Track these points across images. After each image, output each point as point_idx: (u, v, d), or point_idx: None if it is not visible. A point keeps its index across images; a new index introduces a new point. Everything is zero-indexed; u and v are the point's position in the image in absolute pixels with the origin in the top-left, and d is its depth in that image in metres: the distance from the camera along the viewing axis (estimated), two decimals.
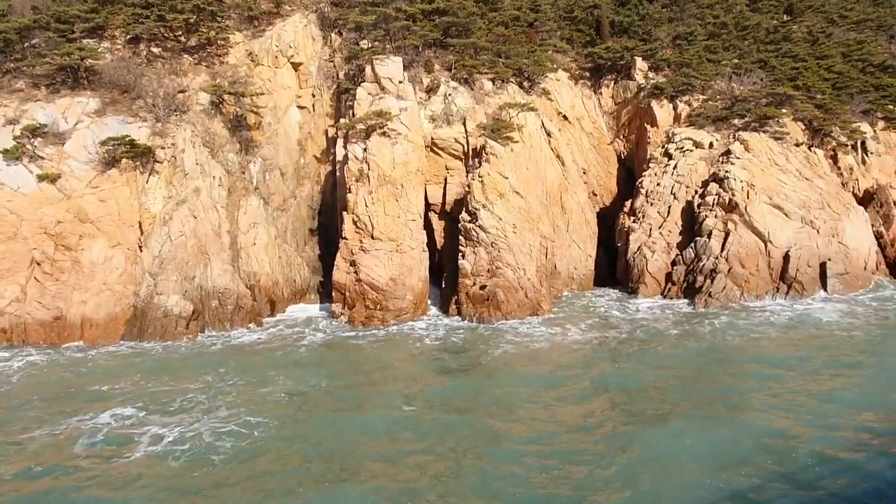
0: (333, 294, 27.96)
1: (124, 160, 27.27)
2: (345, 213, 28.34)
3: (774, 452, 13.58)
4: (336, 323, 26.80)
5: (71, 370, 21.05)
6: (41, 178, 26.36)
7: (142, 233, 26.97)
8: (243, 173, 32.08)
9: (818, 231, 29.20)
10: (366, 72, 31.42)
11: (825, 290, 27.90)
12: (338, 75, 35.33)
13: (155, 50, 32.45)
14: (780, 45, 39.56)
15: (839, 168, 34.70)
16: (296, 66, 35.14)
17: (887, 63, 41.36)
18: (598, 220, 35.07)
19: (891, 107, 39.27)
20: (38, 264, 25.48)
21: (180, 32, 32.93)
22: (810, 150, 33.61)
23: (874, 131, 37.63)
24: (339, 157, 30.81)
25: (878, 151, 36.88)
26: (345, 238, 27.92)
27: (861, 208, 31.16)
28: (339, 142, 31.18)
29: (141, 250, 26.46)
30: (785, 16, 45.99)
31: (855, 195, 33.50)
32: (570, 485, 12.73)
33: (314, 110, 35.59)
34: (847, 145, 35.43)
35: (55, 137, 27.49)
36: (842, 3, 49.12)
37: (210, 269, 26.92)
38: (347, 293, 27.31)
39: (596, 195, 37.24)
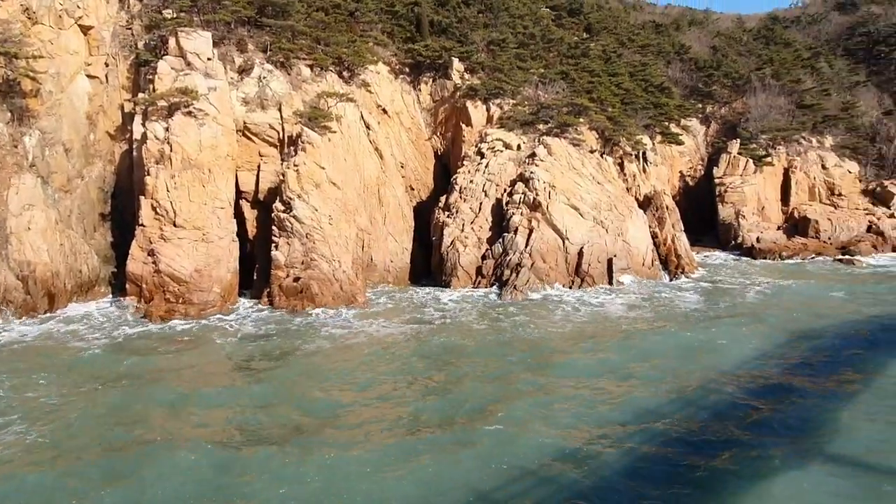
0: (128, 286, 25.37)
1: None
2: (143, 197, 25.78)
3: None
4: (131, 318, 24.28)
5: None
6: None
7: None
8: (15, 147, 27.78)
9: (607, 230, 32.47)
10: (169, 44, 28.86)
11: (611, 282, 31.11)
12: (136, 45, 32.01)
13: None
14: (580, 59, 43.38)
15: (625, 174, 38.93)
16: (85, 29, 31.21)
17: (664, 85, 47.33)
18: (415, 215, 35.74)
19: (666, 123, 45.00)
20: None
21: None
22: (602, 157, 37.28)
23: (653, 144, 42.83)
24: (137, 136, 27.98)
25: (656, 162, 42.05)
26: (142, 225, 25.42)
27: (641, 211, 35.22)
28: (137, 119, 28.32)
29: None
30: (585, 33, 50.63)
31: (637, 199, 37.75)
32: (370, 481, 12.74)
33: (107, 81, 31.93)
34: (631, 155, 39.88)
35: None
36: (630, 28, 55.30)
37: None
38: (145, 285, 24.91)
39: (413, 189, 37.93)
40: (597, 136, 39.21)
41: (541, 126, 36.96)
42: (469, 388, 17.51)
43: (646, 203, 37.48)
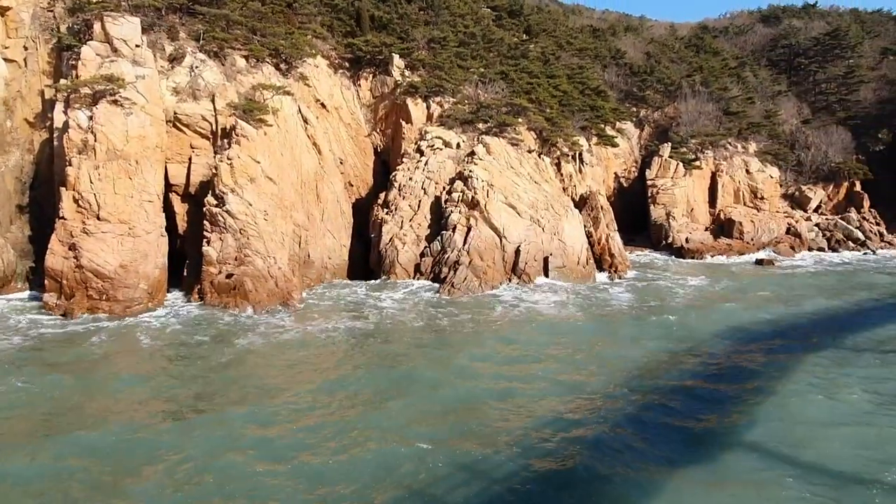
0: (46, 282, 24.05)
1: None
2: (63, 189, 24.48)
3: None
4: (49, 315, 23.03)
5: None
6: None
7: None
8: None
9: (543, 229, 33.03)
10: (94, 29, 27.52)
11: (547, 278, 31.66)
12: (59, 28, 30.35)
13: None
14: (519, 60, 43.98)
15: (561, 175, 39.72)
16: (2, 10, 29.40)
17: (600, 88, 48.56)
18: (354, 211, 35.38)
19: (602, 125, 46.17)
20: None
21: None
22: (540, 157, 37.91)
23: (590, 145, 43.88)
24: (59, 124, 26.57)
25: (592, 163, 43.11)
26: (63, 218, 24.14)
27: (577, 211, 36.00)
28: (59, 106, 26.89)
29: None
30: (524, 35, 51.35)
31: (573, 199, 38.57)
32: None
33: (26, 66, 30.16)
34: (568, 155, 40.75)
35: None
36: (569, 31, 56.46)
37: None
38: (65, 281, 23.68)
39: (353, 186, 37.56)
40: (535, 136, 39.85)
41: (480, 125, 37.25)
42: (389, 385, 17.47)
43: (581, 203, 38.33)
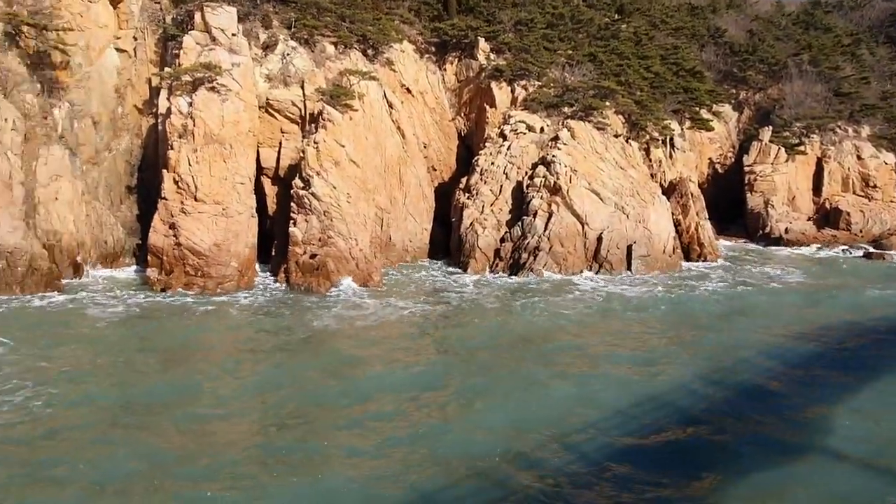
0: (149, 259, 25.87)
1: None
2: (165, 171, 26.18)
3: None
4: (150, 290, 24.82)
5: None
6: None
7: None
8: (45, 118, 28.36)
9: (627, 216, 32.04)
10: (195, 19, 29.04)
11: (630, 269, 30.76)
12: (164, 19, 32.29)
13: None
14: (609, 41, 42.51)
15: (650, 160, 38.29)
16: (114, 2, 31.53)
17: (696, 69, 46.18)
18: (437, 195, 35.71)
19: (697, 108, 44.00)
20: None
21: None
22: (627, 142, 36.67)
23: (682, 129, 41.97)
24: (162, 110, 28.32)
25: (684, 148, 41.25)
26: (164, 198, 25.84)
27: (664, 198, 34.64)
28: (163, 93, 28.63)
29: None
30: (616, 14, 49.51)
31: (661, 186, 37.15)
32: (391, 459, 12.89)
33: (136, 55, 32.29)
34: (658, 140, 39.18)
35: None
36: (664, 9, 53.87)
37: None
38: (165, 258, 25.39)
39: (436, 170, 37.85)
40: (623, 120, 38.56)
41: (565, 109, 36.45)
42: (470, 373, 17.52)
43: (670, 190, 36.86)
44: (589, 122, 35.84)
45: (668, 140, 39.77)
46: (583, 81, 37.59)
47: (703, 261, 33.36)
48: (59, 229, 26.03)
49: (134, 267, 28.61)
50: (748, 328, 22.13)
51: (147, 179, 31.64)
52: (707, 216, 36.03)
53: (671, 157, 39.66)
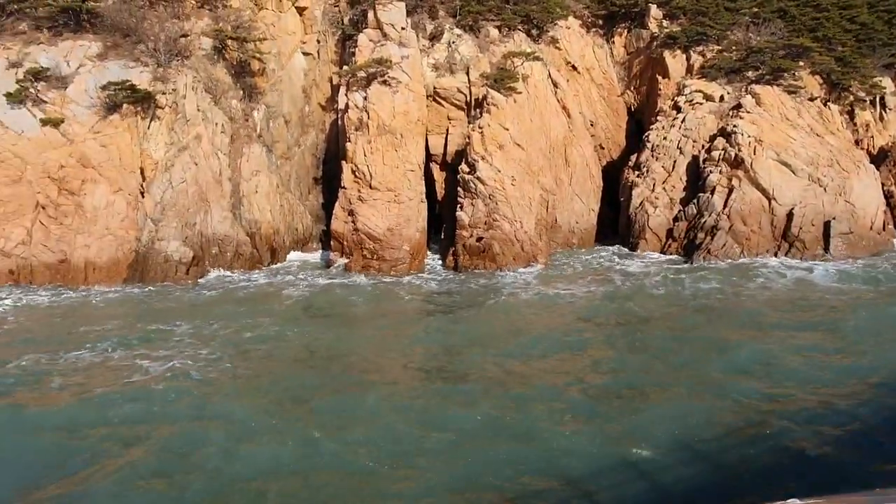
0: (332, 243, 28.29)
1: (125, 105, 27.35)
2: (344, 162, 28.36)
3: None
4: (334, 271, 27.19)
5: (68, 311, 21.76)
6: (44, 122, 26.62)
7: (144, 179, 27.28)
8: (247, 120, 32.04)
9: (825, 189, 28.59)
10: (368, 17, 30.90)
11: (827, 250, 27.47)
12: (343, 21, 34.78)
13: None
14: None
15: (855, 124, 33.69)
16: (300, 10, 34.57)
17: None
18: (605, 174, 34.65)
19: None
20: (43, 208, 26.03)
21: None
22: (825, 106, 32.57)
23: (895, 86, 36.32)
24: (341, 106, 30.61)
25: None
26: (343, 187, 28.03)
27: (872, 167, 30.33)
28: (342, 90, 30.92)
29: (143, 196, 26.84)
30: None
31: (869, 153, 32.60)
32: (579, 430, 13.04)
33: (319, 57, 35.19)
34: (865, 101, 34.30)
35: (58, 81, 27.59)
36: None
37: (210, 215, 27.28)
38: (345, 242, 27.60)
39: (603, 148, 36.70)
40: (820, 81, 34.34)
41: (749, 73, 33.27)
42: (640, 362, 16.91)
43: (881, 157, 32.21)
44: (778, 85, 32.37)
45: (877, 100, 34.62)
46: (770, 41, 33.96)
47: None
48: (258, 218, 29.41)
49: (320, 251, 31.47)
50: None
51: (330, 171, 34.50)
52: None
53: (882, 119, 34.50)
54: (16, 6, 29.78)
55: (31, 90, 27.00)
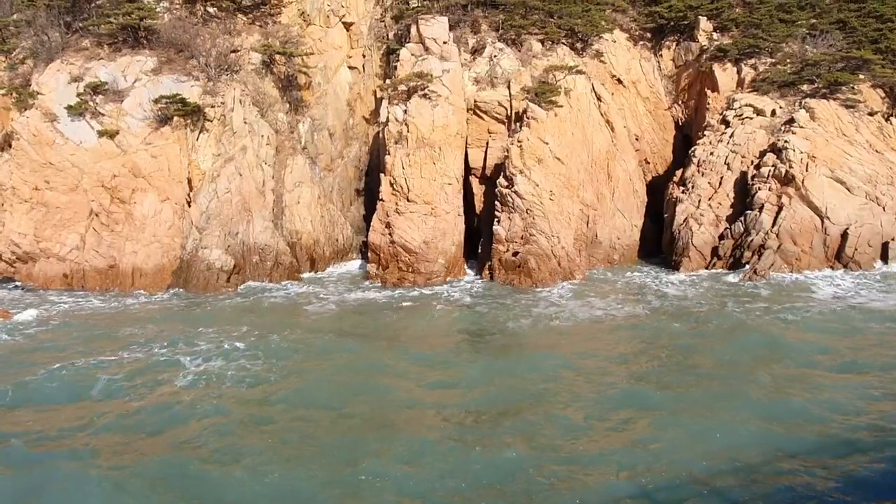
0: (369, 255, 28.54)
1: (176, 118, 28.46)
2: (382, 174, 28.64)
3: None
4: (370, 283, 27.39)
5: (113, 314, 22.62)
6: (101, 133, 27.96)
7: (191, 189, 28.23)
8: (292, 133, 32.82)
9: (884, 208, 27.18)
10: (412, 32, 31.22)
11: (885, 266, 26.00)
12: (388, 35, 35.29)
13: (210, 9, 33.26)
14: (865, 2, 36.20)
15: None
16: (347, 25, 35.29)
17: None
18: (650, 190, 33.87)
19: None
20: (96, 215, 27.26)
21: None
22: (886, 121, 31.01)
23: None
24: (383, 119, 30.97)
25: None
26: (381, 200, 28.28)
27: None
28: (384, 103, 31.28)
29: (189, 205, 27.76)
30: None
31: None
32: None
33: (364, 71, 35.79)
34: None
35: (115, 95, 28.92)
36: None
37: (252, 225, 27.97)
38: (382, 254, 27.80)
39: (649, 163, 35.91)
40: (882, 94, 32.71)
41: (804, 87, 32.01)
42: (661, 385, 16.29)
43: None
44: (835, 99, 31.05)
45: None
46: (827, 53, 32.61)
47: None
48: (299, 229, 29.99)
49: (359, 262, 31.81)
50: None
51: (372, 182, 34.92)
52: None
53: None
54: (80, 24, 31.46)
55: (90, 103, 28.39)
